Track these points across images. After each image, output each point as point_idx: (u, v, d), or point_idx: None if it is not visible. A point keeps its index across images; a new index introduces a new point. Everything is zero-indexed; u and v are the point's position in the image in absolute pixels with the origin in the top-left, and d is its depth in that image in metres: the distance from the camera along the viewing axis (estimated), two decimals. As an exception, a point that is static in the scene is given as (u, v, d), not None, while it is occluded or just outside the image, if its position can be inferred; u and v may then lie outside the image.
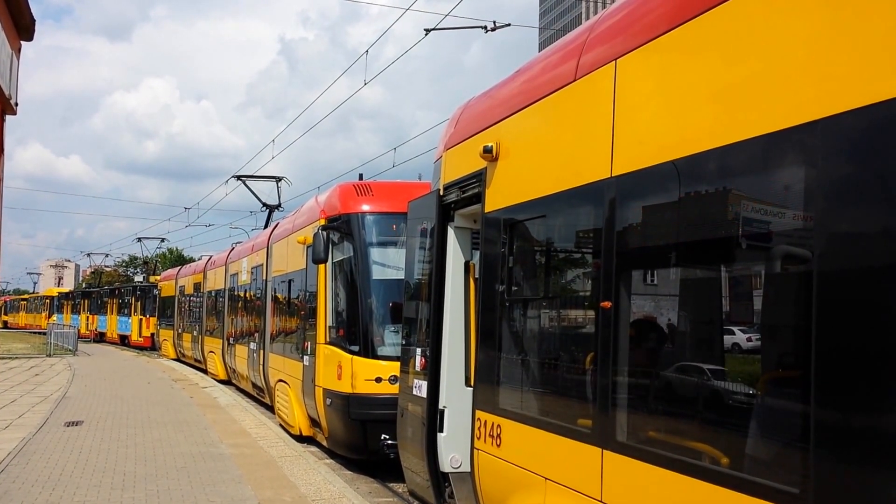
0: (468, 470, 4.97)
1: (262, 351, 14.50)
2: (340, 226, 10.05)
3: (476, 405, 4.81)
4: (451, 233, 5.47)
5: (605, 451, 3.44)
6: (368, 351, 9.29)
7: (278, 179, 22.37)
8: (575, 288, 4.20)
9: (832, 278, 2.42)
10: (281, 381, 12.82)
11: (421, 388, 5.60)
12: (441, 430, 5.26)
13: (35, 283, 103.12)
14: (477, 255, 5.31)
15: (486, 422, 4.64)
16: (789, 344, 2.73)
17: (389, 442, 8.65)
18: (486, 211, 4.80)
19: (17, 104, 8.30)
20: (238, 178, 23.03)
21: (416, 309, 6.08)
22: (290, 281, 12.56)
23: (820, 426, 2.40)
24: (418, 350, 5.81)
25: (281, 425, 12.60)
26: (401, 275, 9.78)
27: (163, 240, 46.74)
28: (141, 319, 37.49)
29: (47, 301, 65.59)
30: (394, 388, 8.87)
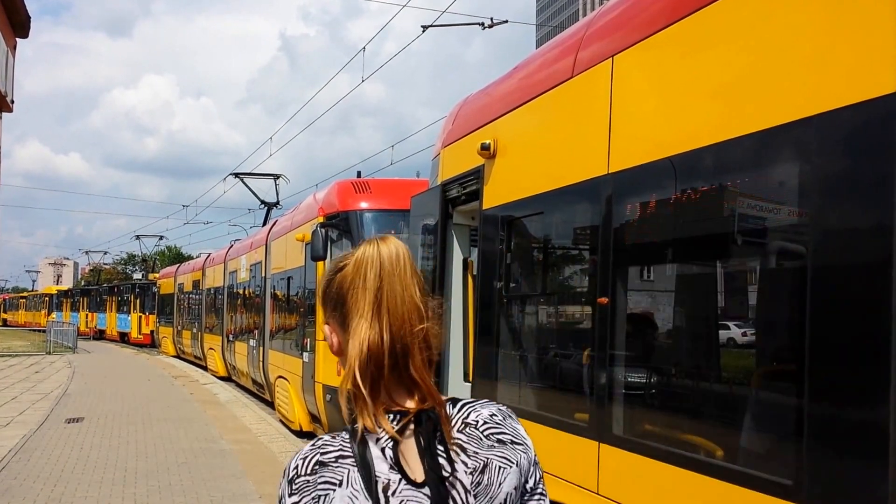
0: None
1: (261, 348, 14.53)
2: (339, 223, 10.07)
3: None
4: (449, 230, 5.48)
5: (601, 444, 3.48)
6: (368, 347, 9.32)
7: (276, 177, 22.37)
8: (572, 284, 4.23)
9: (826, 274, 2.45)
10: (281, 377, 12.86)
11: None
12: None
13: (34, 281, 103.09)
14: (475, 251, 5.33)
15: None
16: (784, 339, 2.76)
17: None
18: (484, 208, 4.83)
19: (13, 101, 8.26)
20: (236, 175, 23.02)
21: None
22: (289, 278, 12.58)
23: (813, 419, 2.43)
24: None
25: (281, 421, 12.64)
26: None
27: (161, 237, 46.77)
28: (140, 317, 37.51)
29: (46, 299, 65.59)
30: (393, 384, 8.90)
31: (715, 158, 2.95)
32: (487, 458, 1.28)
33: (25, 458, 9.13)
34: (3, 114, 7.61)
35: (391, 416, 1.28)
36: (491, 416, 1.34)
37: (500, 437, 1.32)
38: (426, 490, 1.23)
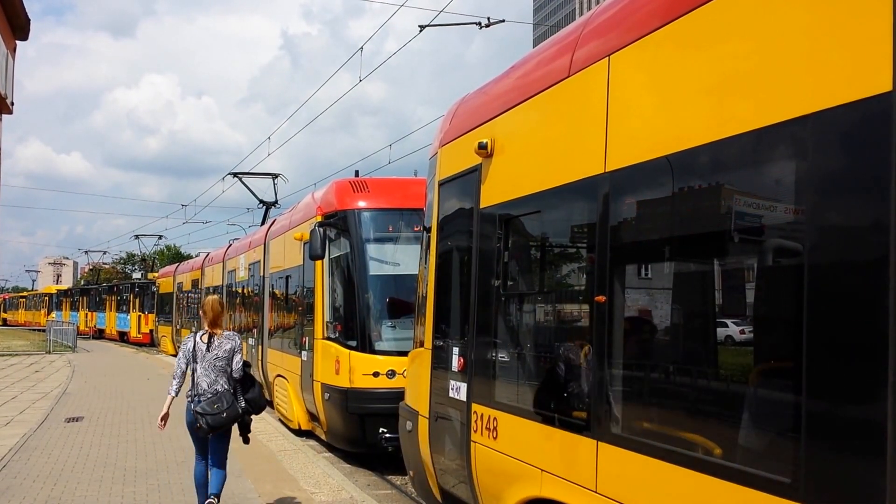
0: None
1: (260, 346, 14.54)
2: (337, 222, 10.08)
3: (472, 398, 4.85)
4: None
5: (600, 442, 3.49)
6: (366, 346, 9.34)
7: (275, 176, 22.36)
8: (569, 282, 4.23)
9: (823, 271, 2.46)
10: (279, 376, 12.88)
11: (459, 389, 5.06)
12: None
13: (34, 281, 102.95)
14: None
15: (482, 415, 4.68)
16: (781, 336, 2.77)
17: (388, 435, 8.71)
18: (482, 207, 4.84)
19: (13, 103, 8.26)
20: (234, 175, 22.99)
21: (450, 302, 5.47)
22: (287, 277, 12.59)
23: (811, 417, 2.44)
24: (455, 349, 5.21)
25: (280, 420, 12.65)
26: (397, 270, 9.82)
27: (160, 237, 46.73)
28: (139, 316, 37.52)
29: (46, 298, 65.59)
30: (391, 383, 8.92)
31: (711, 157, 2.97)
32: (224, 340, 6.42)
33: (25, 458, 9.15)
34: (4, 115, 7.62)
35: (206, 331, 6.50)
36: (232, 334, 6.57)
37: (229, 338, 6.47)
38: (206, 345, 6.36)
